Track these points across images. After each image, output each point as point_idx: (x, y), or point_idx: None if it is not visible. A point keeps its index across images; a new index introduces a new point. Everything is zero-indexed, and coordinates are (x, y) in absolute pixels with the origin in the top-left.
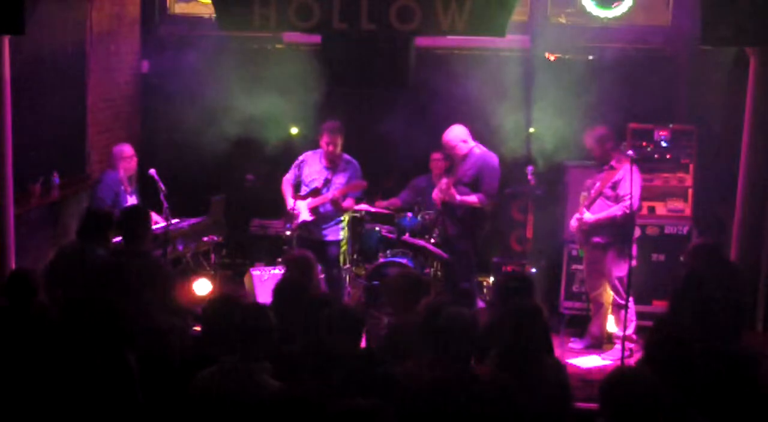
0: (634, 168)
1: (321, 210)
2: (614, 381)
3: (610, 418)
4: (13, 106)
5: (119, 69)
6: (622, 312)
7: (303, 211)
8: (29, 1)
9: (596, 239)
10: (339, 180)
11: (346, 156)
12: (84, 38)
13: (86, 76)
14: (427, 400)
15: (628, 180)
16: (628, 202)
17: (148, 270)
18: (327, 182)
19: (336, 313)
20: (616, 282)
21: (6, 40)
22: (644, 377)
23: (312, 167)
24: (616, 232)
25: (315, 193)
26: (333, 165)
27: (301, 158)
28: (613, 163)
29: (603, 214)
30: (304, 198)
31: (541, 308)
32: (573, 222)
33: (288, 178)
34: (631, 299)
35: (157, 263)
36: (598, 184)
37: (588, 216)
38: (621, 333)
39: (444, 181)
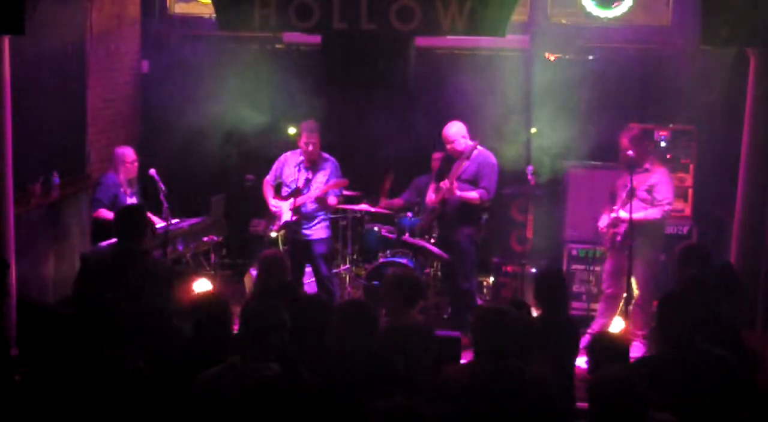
0: (665, 170)
1: (303, 209)
2: (602, 381)
3: (598, 418)
4: (13, 106)
5: (119, 69)
6: (645, 313)
7: (285, 211)
8: (29, 1)
9: (624, 241)
10: (319, 179)
11: (325, 154)
12: (84, 38)
13: (86, 76)
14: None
15: (665, 183)
16: (668, 208)
17: (149, 268)
18: (307, 182)
19: (340, 311)
20: (644, 283)
21: (6, 40)
22: (631, 377)
23: (292, 167)
24: (650, 234)
25: (296, 193)
26: (312, 164)
27: (281, 158)
28: (647, 165)
29: (641, 215)
30: (285, 198)
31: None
32: (603, 222)
33: (268, 180)
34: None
35: (157, 261)
36: (629, 185)
37: (624, 214)
38: (640, 333)
39: (446, 181)
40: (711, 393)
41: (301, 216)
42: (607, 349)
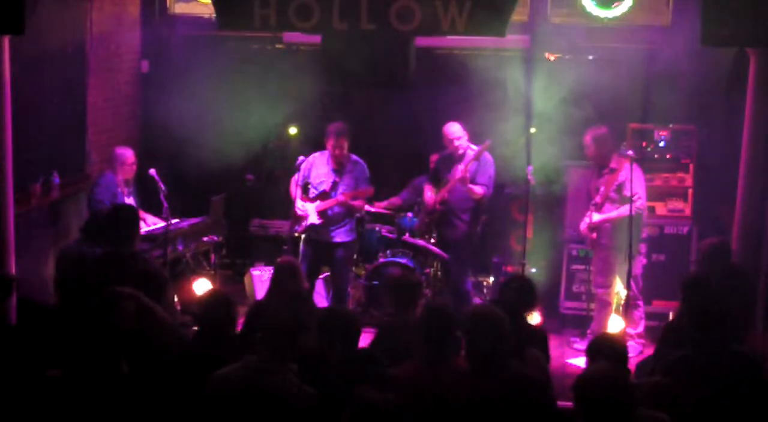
0: (636, 167)
1: (329, 212)
2: (587, 379)
3: (583, 417)
4: (13, 106)
5: (119, 69)
6: (635, 311)
7: (311, 213)
8: (29, 1)
9: (607, 241)
10: (347, 181)
11: (354, 156)
12: (84, 38)
13: (86, 76)
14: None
15: (633, 179)
16: (638, 203)
17: (139, 271)
18: (335, 185)
19: (329, 316)
20: (631, 281)
21: (6, 40)
22: (616, 375)
23: (320, 169)
24: (626, 232)
25: (323, 195)
26: (340, 167)
27: (309, 159)
28: (612, 165)
29: (613, 214)
30: (312, 200)
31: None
32: (583, 225)
33: (296, 179)
34: (641, 298)
35: (148, 264)
36: (602, 188)
37: (596, 216)
38: (632, 332)
39: (459, 168)
40: (716, 393)
41: (327, 219)
42: (606, 351)
